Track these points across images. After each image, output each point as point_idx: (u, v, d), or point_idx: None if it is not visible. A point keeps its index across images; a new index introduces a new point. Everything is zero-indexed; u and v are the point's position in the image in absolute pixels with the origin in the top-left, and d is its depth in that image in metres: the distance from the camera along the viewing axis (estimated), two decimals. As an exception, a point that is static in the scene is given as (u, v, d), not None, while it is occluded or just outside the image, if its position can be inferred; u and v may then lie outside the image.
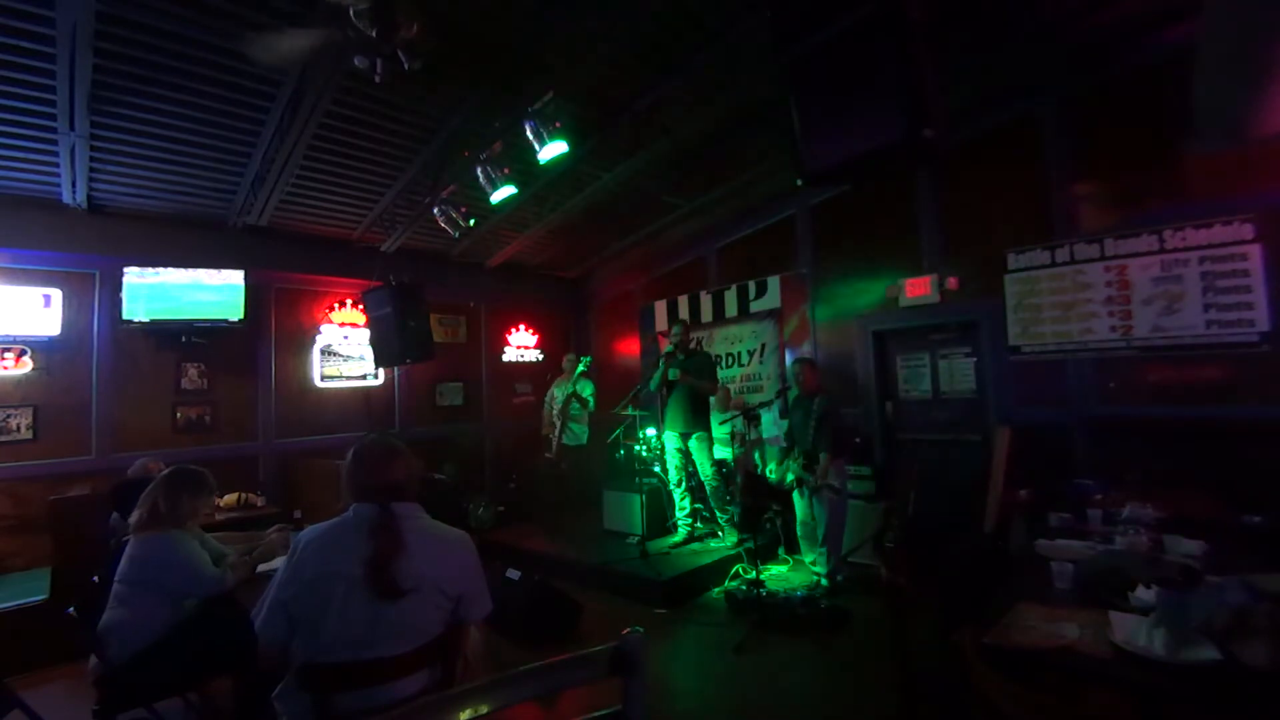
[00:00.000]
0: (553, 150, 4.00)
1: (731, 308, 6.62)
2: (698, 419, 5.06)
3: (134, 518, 2.54)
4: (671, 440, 5.18)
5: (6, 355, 4.60)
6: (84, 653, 2.46)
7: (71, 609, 2.47)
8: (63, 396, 4.80)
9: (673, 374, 5.00)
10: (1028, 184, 4.68)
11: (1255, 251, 3.77)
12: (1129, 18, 3.78)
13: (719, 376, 5.64)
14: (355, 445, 1.83)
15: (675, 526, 5.38)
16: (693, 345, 5.33)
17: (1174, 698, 1.52)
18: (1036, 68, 4.34)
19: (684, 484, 5.27)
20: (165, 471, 2.70)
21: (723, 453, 5.56)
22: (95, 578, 2.61)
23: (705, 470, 5.06)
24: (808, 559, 4.62)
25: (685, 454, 5.15)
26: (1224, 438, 3.78)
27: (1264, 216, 3.74)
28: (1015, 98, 4.62)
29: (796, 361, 4.98)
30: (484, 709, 1.01)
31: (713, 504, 5.17)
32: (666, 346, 5.28)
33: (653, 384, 5.20)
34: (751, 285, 6.42)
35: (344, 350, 6.33)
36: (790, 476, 4.53)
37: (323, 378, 6.18)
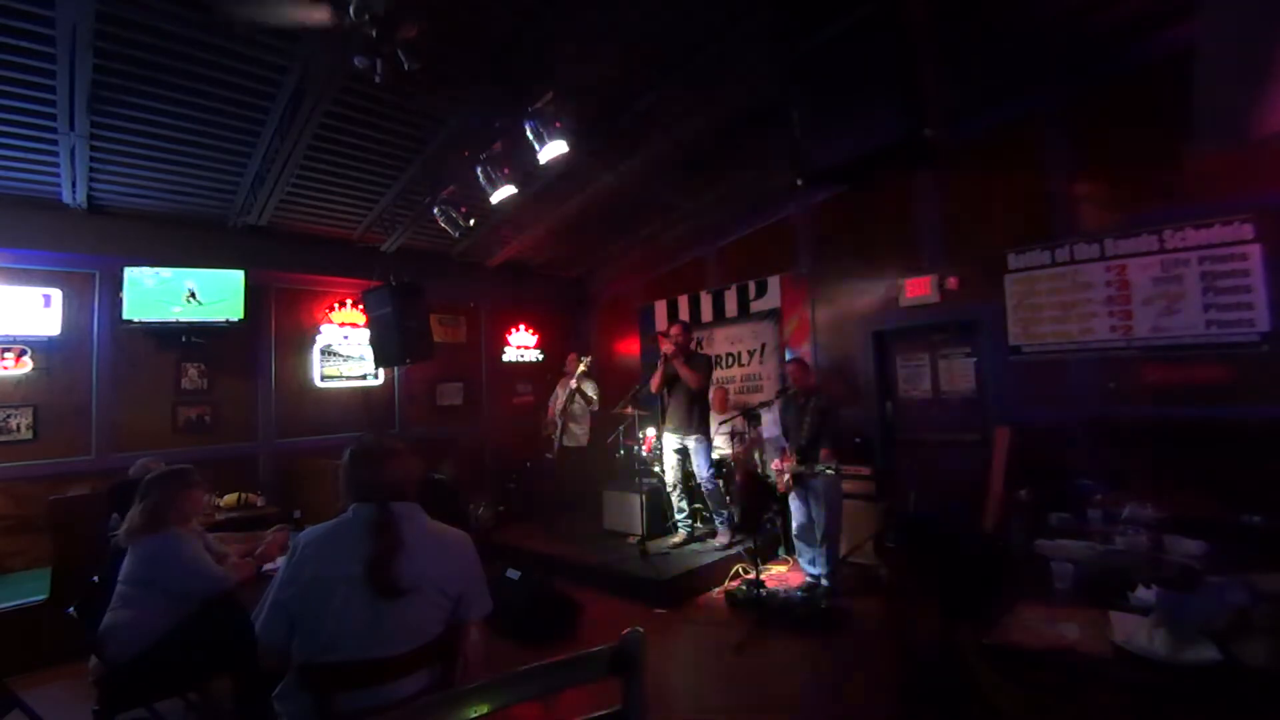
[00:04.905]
0: (553, 150, 3.99)
1: (731, 308, 6.63)
2: (697, 420, 5.05)
3: (125, 525, 2.49)
4: (671, 441, 5.18)
5: (6, 355, 4.59)
6: (84, 653, 2.45)
7: (71, 609, 2.47)
8: (63, 396, 4.80)
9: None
10: (1028, 184, 4.68)
11: (1255, 251, 3.77)
12: (1129, 17, 3.78)
13: (715, 377, 5.70)
14: (352, 445, 1.83)
15: (675, 526, 5.38)
16: (694, 347, 5.33)
17: (1174, 698, 1.52)
18: (1037, 67, 4.33)
19: (683, 484, 5.27)
20: (148, 475, 2.64)
21: (722, 452, 5.56)
22: (95, 578, 2.60)
23: (704, 471, 5.06)
24: (805, 559, 4.62)
25: (684, 454, 5.15)
26: (1224, 438, 3.77)
27: (1264, 216, 3.74)
28: (1015, 97, 4.62)
29: (788, 361, 5.01)
30: (484, 709, 1.01)
31: (711, 504, 5.18)
32: (666, 347, 5.26)
33: (652, 385, 5.19)
34: (751, 285, 6.43)
35: (344, 350, 6.33)
36: (787, 476, 4.52)
37: (323, 378, 6.17)
